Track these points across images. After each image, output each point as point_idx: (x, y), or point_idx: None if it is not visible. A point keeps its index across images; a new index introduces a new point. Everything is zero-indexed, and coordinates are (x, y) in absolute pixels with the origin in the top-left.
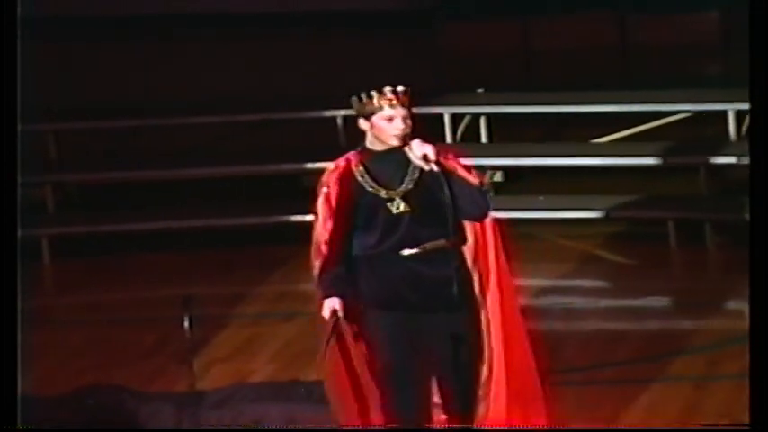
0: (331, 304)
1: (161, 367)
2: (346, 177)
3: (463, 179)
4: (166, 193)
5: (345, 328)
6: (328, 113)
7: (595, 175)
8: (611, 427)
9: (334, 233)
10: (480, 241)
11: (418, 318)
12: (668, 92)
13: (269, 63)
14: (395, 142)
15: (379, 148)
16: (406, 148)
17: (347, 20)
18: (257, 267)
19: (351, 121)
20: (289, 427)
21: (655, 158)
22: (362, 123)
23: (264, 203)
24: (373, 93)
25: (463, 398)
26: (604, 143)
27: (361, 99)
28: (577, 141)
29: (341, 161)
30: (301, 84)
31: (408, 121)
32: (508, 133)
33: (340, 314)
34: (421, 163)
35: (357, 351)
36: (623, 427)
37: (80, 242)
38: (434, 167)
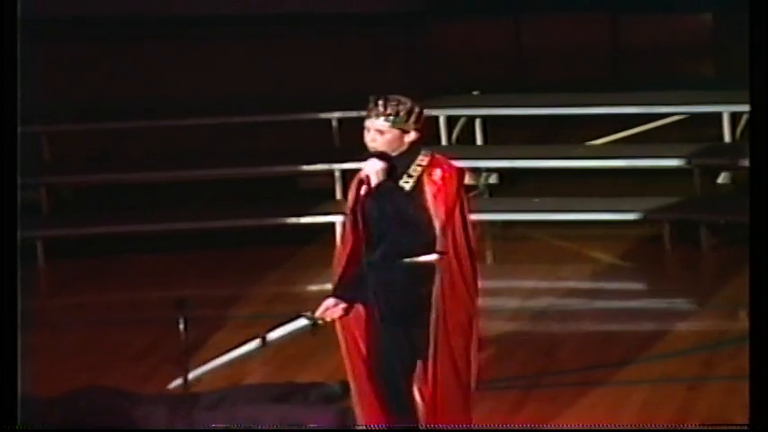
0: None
1: (155, 369)
2: None
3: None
4: (161, 195)
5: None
6: (323, 116)
7: (590, 176)
8: (608, 428)
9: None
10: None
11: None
12: (663, 93)
13: (264, 65)
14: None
15: None
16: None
17: (342, 22)
18: (251, 269)
19: (345, 124)
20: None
21: (649, 160)
22: None
23: (259, 205)
24: (372, 99)
25: None
26: (599, 145)
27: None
28: (572, 143)
29: None
30: (296, 86)
31: (386, 136)
32: (503, 135)
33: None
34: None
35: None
36: (620, 428)
37: (74, 244)
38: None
